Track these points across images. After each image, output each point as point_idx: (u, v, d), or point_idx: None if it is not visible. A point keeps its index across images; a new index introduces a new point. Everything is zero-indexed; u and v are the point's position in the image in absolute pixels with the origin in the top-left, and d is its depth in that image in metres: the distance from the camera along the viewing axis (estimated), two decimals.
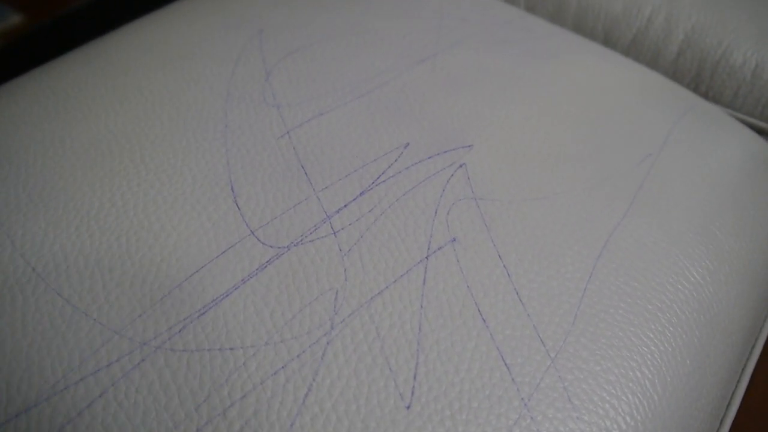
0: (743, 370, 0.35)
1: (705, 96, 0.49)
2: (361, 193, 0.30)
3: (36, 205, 0.29)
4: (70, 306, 0.26)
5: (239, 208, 0.29)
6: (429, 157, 0.32)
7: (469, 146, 0.33)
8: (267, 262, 0.27)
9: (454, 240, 0.29)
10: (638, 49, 0.50)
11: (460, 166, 0.32)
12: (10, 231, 0.28)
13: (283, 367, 0.24)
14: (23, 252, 0.27)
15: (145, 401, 0.24)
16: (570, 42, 0.44)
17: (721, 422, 0.33)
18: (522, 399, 0.25)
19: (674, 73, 0.49)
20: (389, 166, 0.32)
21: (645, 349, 0.28)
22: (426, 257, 0.28)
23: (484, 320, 0.27)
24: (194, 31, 0.39)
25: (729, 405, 0.33)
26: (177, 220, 0.29)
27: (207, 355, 0.25)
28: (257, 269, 0.27)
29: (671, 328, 0.29)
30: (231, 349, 0.25)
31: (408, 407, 0.24)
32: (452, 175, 0.32)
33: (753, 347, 0.36)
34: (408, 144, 0.33)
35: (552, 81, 0.39)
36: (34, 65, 0.39)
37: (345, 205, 0.30)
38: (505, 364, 0.26)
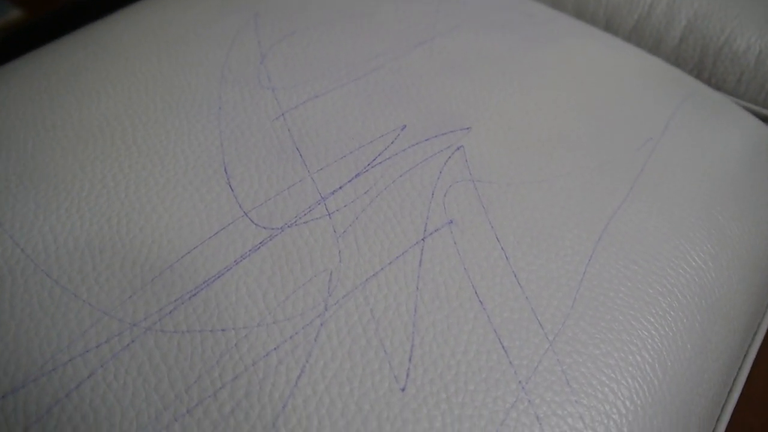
0: (745, 356, 0.34)
1: (708, 83, 0.48)
2: (357, 175, 0.30)
3: (26, 187, 0.28)
4: (59, 287, 0.25)
5: (232, 190, 0.29)
6: (426, 139, 0.32)
7: (467, 129, 0.33)
8: (260, 243, 0.27)
9: (452, 222, 0.29)
10: (640, 35, 0.50)
11: (458, 148, 0.32)
12: None
13: (275, 349, 0.24)
14: (12, 233, 0.27)
15: (135, 382, 0.23)
16: (571, 27, 0.43)
17: (723, 408, 0.32)
18: (519, 382, 0.25)
19: (676, 60, 0.49)
20: (386, 148, 0.31)
21: (645, 333, 0.28)
22: (422, 239, 0.28)
23: (481, 302, 0.26)
24: (189, 16, 0.39)
25: (730, 391, 0.33)
26: (169, 201, 0.28)
27: (198, 336, 0.24)
28: (250, 250, 0.27)
29: (672, 313, 0.29)
30: (222, 330, 0.24)
31: (403, 389, 0.24)
32: (450, 157, 0.31)
33: (755, 333, 0.36)
34: (405, 126, 0.32)
35: (552, 65, 0.39)
36: None
37: (340, 187, 0.29)
38: (503, 347, 0.25)
